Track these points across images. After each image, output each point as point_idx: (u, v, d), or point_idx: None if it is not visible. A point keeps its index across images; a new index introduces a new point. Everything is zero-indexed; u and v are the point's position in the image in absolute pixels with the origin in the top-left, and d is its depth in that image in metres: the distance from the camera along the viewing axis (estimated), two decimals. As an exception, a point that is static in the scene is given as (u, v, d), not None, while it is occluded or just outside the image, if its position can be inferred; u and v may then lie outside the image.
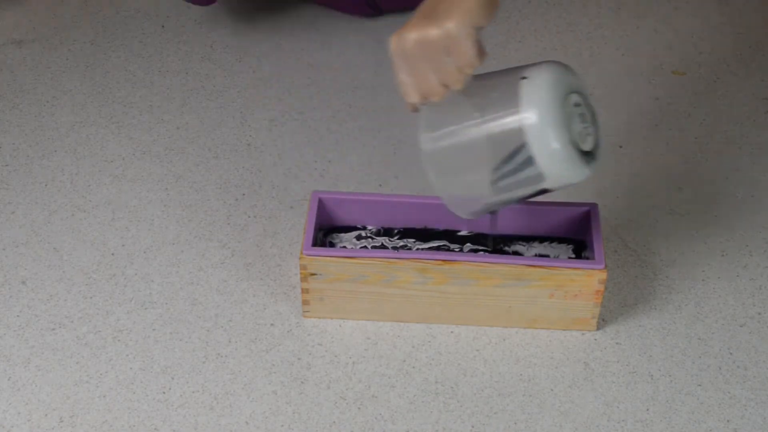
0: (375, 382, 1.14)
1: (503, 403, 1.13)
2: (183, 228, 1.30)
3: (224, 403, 1.12)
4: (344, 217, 1.23)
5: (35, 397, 1.12)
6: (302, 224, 1.29)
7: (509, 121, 1.03)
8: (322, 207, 1.20)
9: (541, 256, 1.21)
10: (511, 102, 1.02)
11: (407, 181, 1.36)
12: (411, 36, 0.99)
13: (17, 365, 1.15)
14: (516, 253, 1.21)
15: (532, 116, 1.01)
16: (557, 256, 1.20)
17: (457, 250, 1.21)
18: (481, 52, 0.99)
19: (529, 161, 1.03)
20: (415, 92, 1.02)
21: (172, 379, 1.14)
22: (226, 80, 1.51)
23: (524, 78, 1.03)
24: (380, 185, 1.36)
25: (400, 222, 1.23)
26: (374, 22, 1.60)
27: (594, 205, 1.19)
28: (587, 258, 1.19)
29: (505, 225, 1.22)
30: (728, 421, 1.11)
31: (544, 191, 1.07)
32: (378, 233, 1.23)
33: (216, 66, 1.53)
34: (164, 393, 1.13)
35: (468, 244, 1.22)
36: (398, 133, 1.42)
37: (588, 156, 1.05)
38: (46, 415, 1.11)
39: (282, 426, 1.10)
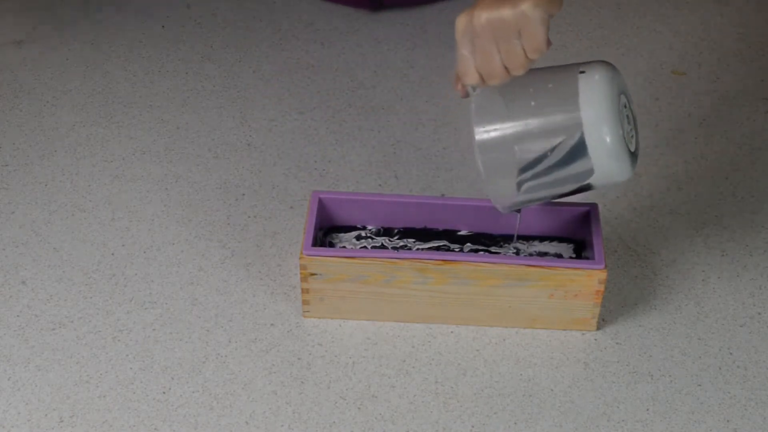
0: (375, 382, 1.14)
1: (503, 403, 1.12)
2: (183, 228, 1.30)
3: (224, 403, 1.12)
4: (344, 217, 1.23)
5: (35, 397, 1.12)
6: (302, 224, 1.29)
7: (565, 113, 1.03)
8: (322, 207, 1.20)
9: (542, 253, 1.21)
10: (568, 94, 1.03)
11: (407, 181, 1.36)
12: (484, 14, 0.98)
13: (17, 365, 1.15)
14: (516, 252, 1.21)
15: (591, 109, 1.02)
16: (559, 254, 1.20)
17: (457, 250, 1.21)
18: (549, 41, 0.99)
19: (581, 154, 1.03)
20: (475, 72, 1.01)
21: (172, 379, 1.14)
22: (226, 80, 1.51)
23: (582, 72, 1.03)
24: (380, 185, 1.36)
25: (400, 222, 1.23)
26: (374, 22, 1.60)
27: (594, 205, 1.19)
28: (587, 258, 1.19)
29: (505, 225, 1.22)
30: (728, 421, 1.11)
31: (585, 188, 1.07)
32: (378, 233, 1.23)
33: (216, 66, 1.53)
34: (164, 393, 1.13)
35: (468, 244, 1.22)
36: (398, 133, 1.42)
37: (632, 157, 1.05)
38: (46, 415, 1.11)
39: (282, 426, 1.10)
